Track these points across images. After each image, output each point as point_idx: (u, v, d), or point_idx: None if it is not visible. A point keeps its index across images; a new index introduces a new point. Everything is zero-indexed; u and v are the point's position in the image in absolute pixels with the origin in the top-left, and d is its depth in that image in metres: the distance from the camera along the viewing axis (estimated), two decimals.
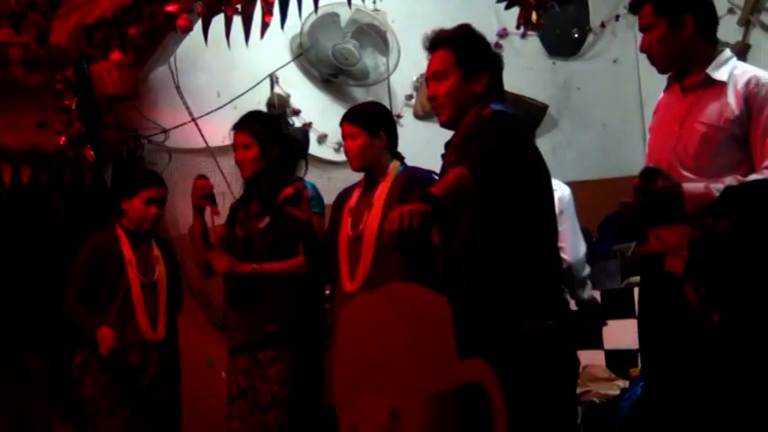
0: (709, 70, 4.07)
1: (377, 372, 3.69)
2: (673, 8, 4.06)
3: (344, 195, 4.99)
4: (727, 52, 4.16)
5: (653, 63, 4.19)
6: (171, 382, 5.67)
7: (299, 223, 4.76)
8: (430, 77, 4.14)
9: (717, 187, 3.73)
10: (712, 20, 4.17)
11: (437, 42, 4.14)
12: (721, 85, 4.04)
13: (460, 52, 4.08)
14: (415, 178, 4.72)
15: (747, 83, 4.01)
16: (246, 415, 5.08)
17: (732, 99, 3.99)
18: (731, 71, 4.06)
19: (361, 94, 7.92)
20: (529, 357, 3.74)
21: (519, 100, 8.04)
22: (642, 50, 4.19)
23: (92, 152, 6.24)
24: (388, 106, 7.45)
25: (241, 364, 5.15)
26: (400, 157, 4.94)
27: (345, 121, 4.95)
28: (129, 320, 5.56)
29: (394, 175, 4.81)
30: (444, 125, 4.14)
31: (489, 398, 3.45)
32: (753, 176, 3.80)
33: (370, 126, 4.85)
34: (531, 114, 7.98)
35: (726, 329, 2.52)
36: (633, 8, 4.26)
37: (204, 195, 5.29)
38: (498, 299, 3.78)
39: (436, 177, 4.62)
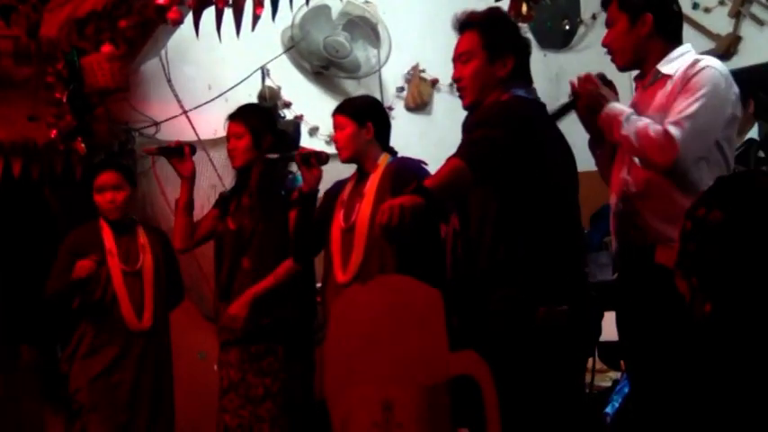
0: (659, 65, 4.09)
1: (369, 364, 3.69)
2: (633, 6, 4.09)
3: (337, 188, 5.00)
4: (684, 48, 4.13)
5: (612, 59, 4.22)
6: (158, 374, 5.64)
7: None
8: (456, 59, 4.14)
9: (636, 118, 3.93)
10: (673, 20, 4.17)
11: (465, 24, 4.14)
12: (668, 79, 4.05)
13: (487, 34, 4.06)
14: (405, 169, 4.74)
15: (690, 65, 4.00)
16: (238, 408, 5.09)
17: (671, 83, 4.02)
18: (678, 65, 4.05)
19: (352, 87, 7.93)
20: (539, 347, 3.75)
21: None
22: (603, 45, 4.21)
23: (83, 145, 6.25)
24: (379, 98, 7.47)
25: (233, 357, 5.15)
26: (392, 152, 4.94)
27: (335, 112, 4.99)
28: (111, 310, 5.55)
29: (384, 167, 4.82)
30: (467, 108, 4.12)
31: (481, 390, 3.46)
32: (667, 124, 3.86)
33: (358, 116, 4.87)
34: None
35: (718, 320, 2.52)
36: (603, 3, 4.28)
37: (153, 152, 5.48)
38: (508, 284, 3.79)
39: (426, 168, 4.64)
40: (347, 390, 3.75)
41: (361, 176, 4.89)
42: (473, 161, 3.70)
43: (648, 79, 4.15)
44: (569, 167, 4.04)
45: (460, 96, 4.13)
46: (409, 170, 4.70)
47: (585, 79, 4.13)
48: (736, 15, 7.69)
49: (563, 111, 4.23)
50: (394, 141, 4.94)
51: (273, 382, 5.04)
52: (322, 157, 4.92)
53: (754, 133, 7.20)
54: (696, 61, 3.99)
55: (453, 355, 3.54)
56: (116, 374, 5.52)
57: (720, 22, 7.77)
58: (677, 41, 4.14)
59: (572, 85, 4.17)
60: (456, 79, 4.14)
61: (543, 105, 4.06)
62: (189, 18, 5.77)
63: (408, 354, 3.60)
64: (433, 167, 4.27)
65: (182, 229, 5.34)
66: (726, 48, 7.66)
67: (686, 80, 3.95)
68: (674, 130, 3.83)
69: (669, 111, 3.93)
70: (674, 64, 4.06)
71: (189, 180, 5.34)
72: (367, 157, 4.87)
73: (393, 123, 5.03)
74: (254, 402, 5.05)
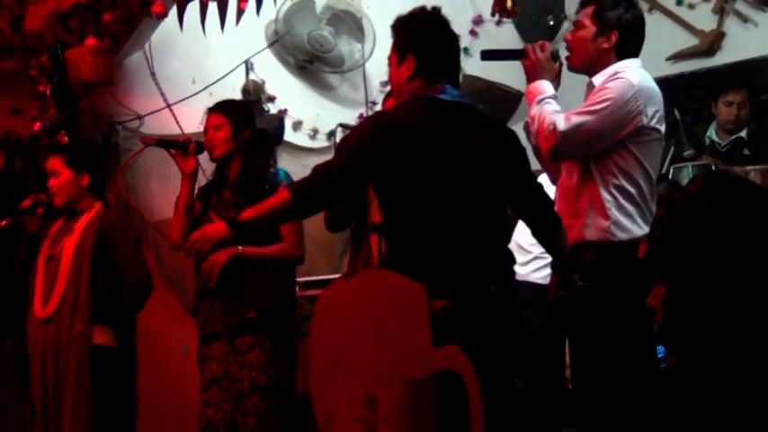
0: (593, 77, 4.39)
1: (352, 359, 3.70)
2: (605, 20, 4.34)
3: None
4: (621, 64, 4.35)
5: (567, 57, 4.47)
6: (59, 367, 5.29)
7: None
8: None
9: (548, 102, 4.26)
10: (635, 44, 4.41)
11: None
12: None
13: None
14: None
15: (610, 74, 4.30)
16: (221, 402, 5.09)
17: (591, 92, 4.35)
18: (605, 75, 4.33)
19: (336, 81, 7.93)
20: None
21: (493, 87, 8.06)
22: (565, 40, 4.51)
23: (66, 138, 6.23)
24: (363, 93, 7.49)
25: (215, 350, 5.15)
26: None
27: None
28: (32, 298, 5.44)
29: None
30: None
31: (464, 385, 3.48)
32: (571, 115, 4.20)
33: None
34: (505, 102, 8.01)
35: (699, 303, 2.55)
36: (580, 4, 4.51)
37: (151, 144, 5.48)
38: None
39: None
40: (331, 384, 3.76)
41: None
42: (296, 195, 3.84)
43: (587, 89, 4.43)
44: (447, 167, 3.92)
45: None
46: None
47: (540, 46, 4.38)
48: (720, 11, 7.70)
49: (505, 55, 4.65)
50: None
51: (259, 375, 5.04)
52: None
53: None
54: (616, 72, 4.28)
55: (437, 350, 3.56)
56: (31, 366, 5.38)
57: (704, 18, 7.78)
58: (624, 58, 4.39)
59: (526, 47, 4.42)
60: None
61: (440, 102, 4.02)
62: (173, 11, 5.78)
63: (392, 348, 3.61)
64: None
65: (179, 227, 5.32)
66: (709, 44, 7.68)
67: (600, 86, 4.26)
68: (560, 122, 4.14)
69: None
70: (604, 75, 4.33)
71: (190, 177, 5.32)
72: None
73: None
74: (240, 396, 5.05)
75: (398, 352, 3.61)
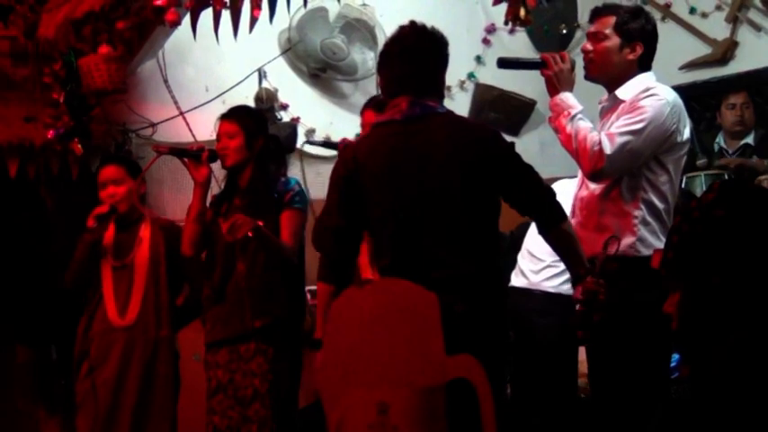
0: (617, 91, 4.36)
1: (365, 366, 3.70)
2: (630, 32, 4.33)
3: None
4: (643, 76, 4.36)
5: (586, 67, 4.44)
6: (145, 374, 5.47)
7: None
8: None
9: (582, 118, 4.26)
10: (653, 53, 4.42)
11: None
12: (622, 103, 4.33)
13: None
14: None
15: (641, 90, 4.28)
16: (227, 409, 5.09)
17: (622, 107, 4.31)
18: (634, 90, 4.31)
19: (348, 89, 7.93)
20: None
21: (507, 96, 8.06)
22: (584, 51, 4.44)
23: (80, 146, 6.25)
24: None
25: (220, 358, 5.14)
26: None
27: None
28: (98, 306, 5.49)
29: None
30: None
31: (477, 394, 3.48)
32: (603, 136, 4.19)
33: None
34: (519, 110, 8.01)
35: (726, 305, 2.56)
36: (594, 15, 4.47)
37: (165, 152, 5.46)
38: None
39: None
40: (343, 392, 3.76)
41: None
42: (334, 281, 4.16)
43: (607, 100, 4.42)
44: (399, 188, 4.02)
45: None
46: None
47: (562, 57, 4.38)
48: (734, 20, 7.70)
49: (524, 64, 4.69)
50: None
51: (262, 383, 5.03)
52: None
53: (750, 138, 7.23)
54: (648, 88, 4.26)
55: (449, 359, 3.55)
56: (100, 373, 5.43)
57: (717, 27, 7.78)
58: (647, 70, 4.40)
59: (546, 56, 4.40)
60: None
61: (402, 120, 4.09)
62: (186, 20, 5.78)
63: (404, 356, 3.61)
64: None
65: (191, 237, 5.30)
66: (723, 53, 7.68)
67: (634, 103, 4.22)
68: (605, 144, 4.11)
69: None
70: (628, 89, 4.32)
71: (203, 186, 5.28)
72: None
73: None
74: (243, 404, 5.05)
75: (411, 360, 3.61)
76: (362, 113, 5.37)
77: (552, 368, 5.50)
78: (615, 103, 4.35)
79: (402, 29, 4.20)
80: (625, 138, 4.13)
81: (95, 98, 6.34)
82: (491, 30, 8.10)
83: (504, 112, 8.06)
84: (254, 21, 5.68)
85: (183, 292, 5.63)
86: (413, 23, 4.20)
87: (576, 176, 4.56)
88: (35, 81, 6.31)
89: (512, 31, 8.07)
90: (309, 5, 6.50)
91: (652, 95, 4.21)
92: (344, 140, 5.34)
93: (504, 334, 4.16)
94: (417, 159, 3.95)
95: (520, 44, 8.20)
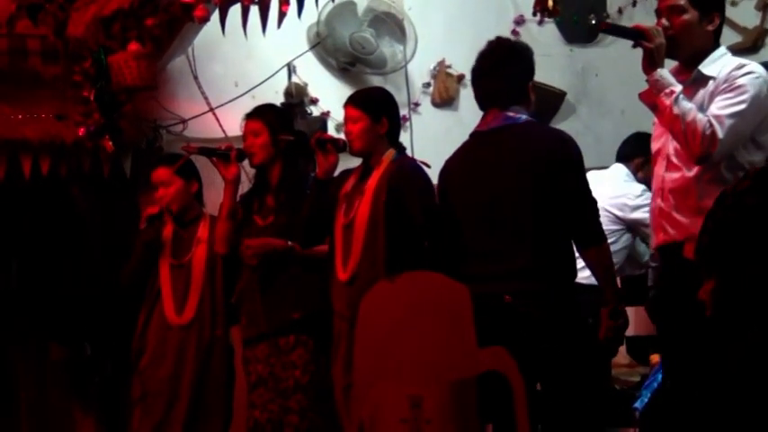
0: (701, 66, 4.18)
1: (397, 360, 3.71)
2: (706, 3, 4.18)
3: (341, 179, 5.07)
4: (722, 49, 4.24)
5: (668, 45, 4.18)
6: (200, 370, 5.55)
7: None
8: None
9: (684, 99, 4.03)
10: (722, 24, 4.29)
11: None
12: (710, 80, 4.14)
13: None
14: (403, 170, 4.86)
15: (735, 67, 4.10)
16: (267, 402, 5.12)
17: (714, 84, 4.12)
18: (722, 67, 4.15)
19: (378, 83, 7.91)
20: None
21: (536, 87, 8.02)
22: (662, 27, 4.18)
23: (111, 143, 6.26)
24: (405, 94, 7.46)
25: (260, 352, 5.18)
26: (400, 147, 4.98)
27: (349, 103, 5.04)
28: (155, 305, 5.57)
29: (386, 165, 4.85)
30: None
31: (510, 386, 3.47)
32: (711, 117, 3.98)
33: (373, 111, 4.94)
34: (549, 101, 7.97)
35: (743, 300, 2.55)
36: None
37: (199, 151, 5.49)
38: None
39: (424, 169, 4.90)
40: (375, 385, 3.76)
41: (365, 171, 4.96)
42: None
43: (687, 76, 4.21)
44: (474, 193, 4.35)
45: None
46: (406, 172, 4.84)
47: (660, 32, 4.13)
48: (763, 8, 7.64)
49: (626, 33, 4.30)
50: (420, 137, 4.96)
51: (303, 375, 5.07)
52: (339, 144, 5.02)
53: None
54: (741, 65, 4.09)
55: (482, 351, 3.55)
56: (158, 369, 5.53)
57: (747, 15, 7.72)
58: (719, 44, 4.26)
59: (646, 28, 4.16)
60: None
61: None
62: (215, 15, 5.79)
63: (437, 350, 3.62)
64: None
65: (224, 235, 5.33)
66: (753, 41, 7.62)
67: (731, 81, 4.04)
68: (717, 128, 3.93)
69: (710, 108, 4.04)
70: (715, 66, 4.15)
71: (232, 184, 5.32)
72: (375, 152, 4.93)
73: (419, 119, 5.07)
74: (284, 395, 5.07)
75: (443, 353, 3.61)
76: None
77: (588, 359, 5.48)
78: (701, 79, 4.18)
79: (490, 44, 4.51)
80: (733, 120, 3.97)
81: (125, 95, 6.36)
82: (520, 21, 8.05)
83: (535, 103, 8.03)
84: (282, 16, 5.68)
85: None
86: (498, 39, 4.58)
87: (605, 168, 4.53)
88: (65, 79, 6.34)
89: (540, 23, 8.03)
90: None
91: (749, 73, 4.06)
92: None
93: (575, 327, 4.24)
94: (489, 168, 4.27)
95: (549, 36, 8.16)
